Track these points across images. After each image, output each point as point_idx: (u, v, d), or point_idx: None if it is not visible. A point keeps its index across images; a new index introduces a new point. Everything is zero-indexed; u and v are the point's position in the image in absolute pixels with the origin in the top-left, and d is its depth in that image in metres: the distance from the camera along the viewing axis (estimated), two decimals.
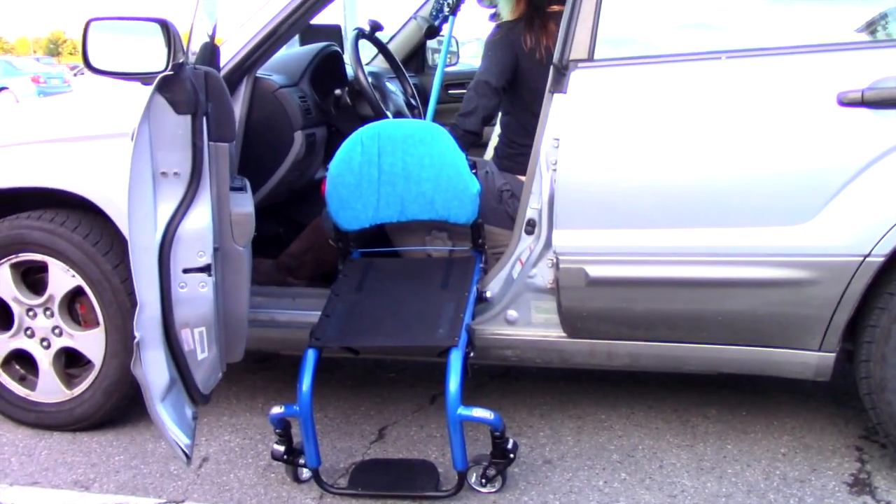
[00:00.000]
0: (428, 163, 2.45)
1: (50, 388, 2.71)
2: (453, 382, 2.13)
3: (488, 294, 2.46)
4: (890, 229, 2.10)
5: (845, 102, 2.11)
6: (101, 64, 2.21)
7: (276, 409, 2.25)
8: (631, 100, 2.30)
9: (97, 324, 2.62)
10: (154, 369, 2.04)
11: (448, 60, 4.16)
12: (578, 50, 2.32)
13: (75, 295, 2.65)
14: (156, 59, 2.08)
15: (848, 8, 2.39)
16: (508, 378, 3.08)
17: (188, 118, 2.04)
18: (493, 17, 3.38)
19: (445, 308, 2.33)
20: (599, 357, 2.47)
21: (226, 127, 2.14)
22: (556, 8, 2.83)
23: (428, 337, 2.27)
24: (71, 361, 2.75)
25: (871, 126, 2.11)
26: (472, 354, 2.27)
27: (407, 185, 2.49)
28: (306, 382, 2.21)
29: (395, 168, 2.48)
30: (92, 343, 2.64)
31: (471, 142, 2.76)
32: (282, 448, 2.29)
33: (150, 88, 2.01)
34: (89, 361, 2.68)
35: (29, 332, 2.69)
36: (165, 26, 2.10)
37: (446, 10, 3.92)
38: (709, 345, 2.37)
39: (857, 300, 2.18)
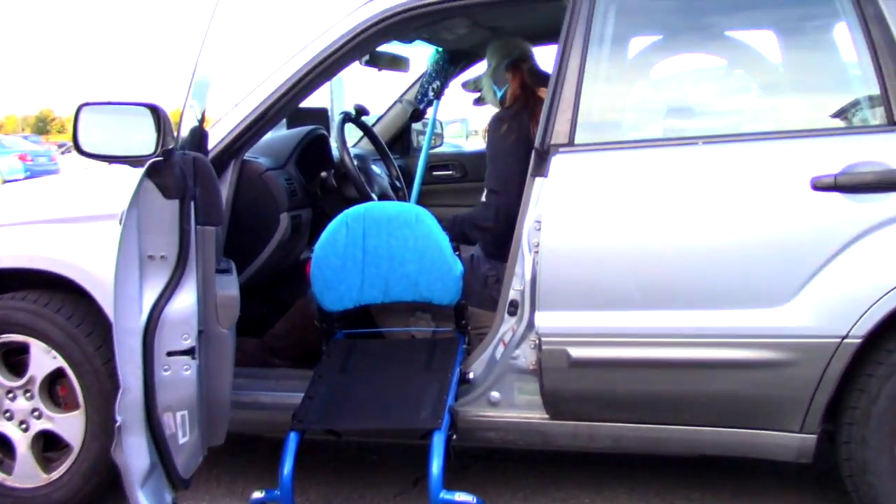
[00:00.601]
0: (412, 245, 2.49)
1: (27, 473, 2.66)
2: (436, 465, 2.12)
3: (471, 375, 2.47)
4: (866, 311, 2.14)
5: (819, 187, 2.17)
6: (92, 147, 2.23)
7: (257, 494, 2.22)
8: (611, 184, 2.35)
9: (77, 406, 2.59)
10: (135, 454, 2.02)
11: (432, 142, 4.24)
12: (559, 135, 2.38)
13: (56, 377, 2.63)
14: (145, 143, 2.11)
15: (821, 95, 2.47)
16: (492, 460, 3.06)
17: (176, 203, 2.07)
18: (479, 101, 3.46)
19: (428, 390, 2.33)
20: (582, 439, 2.47)
21: (213, 211, 2.17)
22: (543, 91, 2.91)
23: (411, 419, 2.26)
24: (49, 445, 2.71)
25: (845, 210, 2.16)
26: (454, 437, 2.26)
27: (391, 267, 2.51)
28: (288, 466, 2.19)
29: (380, 250, 2.51)
30: (71, 426, 2.61)
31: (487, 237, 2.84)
32: None
33: (140, 172, 2.04)
34: (68, 445, 2.64)
35: (8, 415, 2.66)
36: (155, 111, 2.14)
37: (431, 93, 4.01)
38: (691, 426, 2.37)
39: (837, 381, 2.20)
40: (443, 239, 2.48)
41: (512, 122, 2.87)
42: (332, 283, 2.53)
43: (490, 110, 3.34)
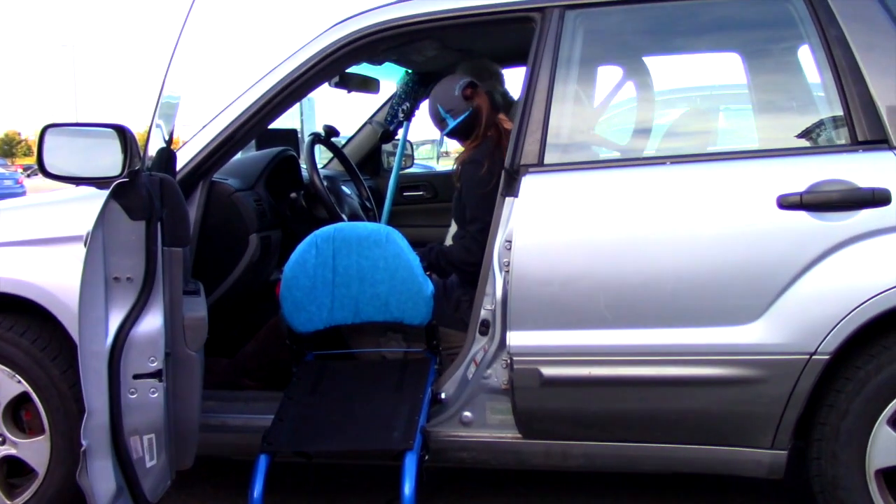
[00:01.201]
0: (382, 265, 2.48)
1: None
2: (408, 487, 2.10)
3: (443, 395, 2.46)
4: (834, 327, 2.16)
5: (785, 205, 2.20)
6: (57, 169, 2.20)
7: None
8: (580, 203, 2.37)
9: (42, 431, 2.54)
10: (101, 478, 1.99)
11: (403, 163, 4.25)
12: (529, 155, 2.39)
13: (20, 401, 2.58)
14: (111, 164, 2.09)
15: (787, 116, 2.50)
16: (464, 480, 3.04)
17: (142, 224, 2.05)
18: (450, 134, 3.33)
19: (400, 411, 2.32)
20: (555, 458, 2.46)
21: (180, 232, 2.15)
22: (505, 120, 2.91)
23: (383, 441, 2.25)
24: (13, 471, 2.66)
25: (811, 228, 2.19)
26: (427, 458, 2.25)
27: (361, 288, 2.50)
28: (257, 489, 2.16)
29: (350, 270, 2.50)
30: (36, 451, 2.56)
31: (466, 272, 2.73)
32: None
33: (105, 193, 2.02)
34: (33, 470, 2.59)
35: None
36: (122, 132, 2.12)
37: (401, 115, 4.02)
38: (664, 444, 2.37)
39: (806, 398, 2.21)
40: (413, 259, 2.48)
41: (491, 163, 2.74)
42: (302, 303, 2.52)
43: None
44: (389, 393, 2.42)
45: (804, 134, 2.42)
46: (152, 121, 2.14)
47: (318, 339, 2.70)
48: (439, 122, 2.98)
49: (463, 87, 2.90)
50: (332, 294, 2.51)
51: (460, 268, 2.73)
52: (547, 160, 2.39)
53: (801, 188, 2.20)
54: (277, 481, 2.88)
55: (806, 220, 2.19)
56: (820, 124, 2.39)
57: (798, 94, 2.51)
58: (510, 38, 3.23)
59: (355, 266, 2.49)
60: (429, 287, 2.48)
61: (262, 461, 2.20)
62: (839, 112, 2.28)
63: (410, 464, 2.14)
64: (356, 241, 2.50)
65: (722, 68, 2.83)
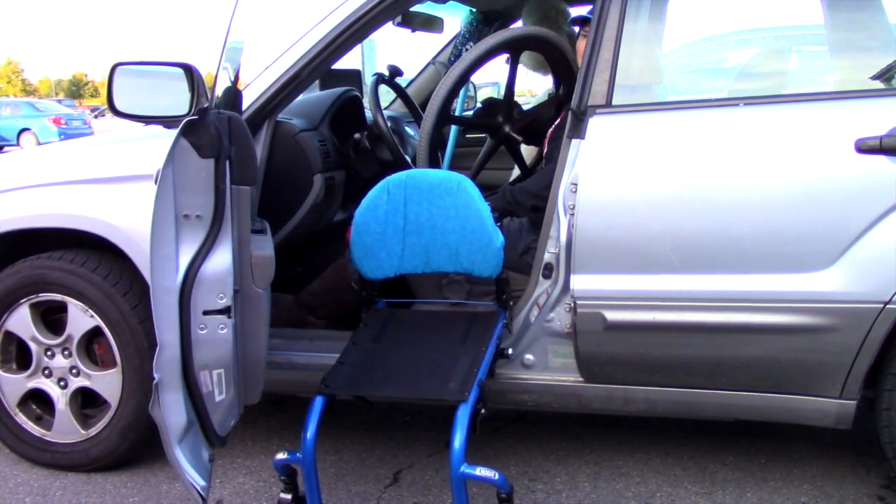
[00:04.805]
0: (453, 214, 2.43)
1: (66, 428, 2.71)
2: (458, 440, 2.06)
3: (510, 351, 2.45)
4: None
5: (863, 149, 2.12)
6: (126, 108, 2.23)
7: (281, 455, 2.18)
8: (649, 146, 2.31)
9: (114, 364, 2.62)
10: (172, 411, 2.04)
11: (465, 105, 4.20)
12: (597, 96, 2.34)
13: (93, 335, 2.67)
14: (180, 103, 2.11)
15: (866, 57, 2.40)
16: (524, 423, 3.07)
17: (211, 162, 2.06)
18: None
19: (460, 362, 2.29)
20: (616, 402, 2.46)
21: (248, 171, 2.16)
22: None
23: (438, 390, 2.22)
24: (87, 402, 2.76)
25: (890, 173, 2.11)
26: (483, 411, 2.22)
27: (433, 236, 2.47)
28: (311, 429, 2.16)
29: (421, 218, 2.46)
30: (109, 383, 2.65)
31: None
32: (288, 496, 2.23)
33: (174, 132, 2.04)
34: (105, 402, 2.68)
35: (47, 372, 2.70)
36: (190, 71, 2.13)
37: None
38: (727, 391, 2.35)
39: (878, 347, 2.16)
40: (484, 209, 2.43)
41: None
42: (373, 250, 2.50)
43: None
44: (453, 344, 2.40)
45: (884, 75, 2.32)
46: (219, 64, 2.14)
47: (386, 286, 2.70)
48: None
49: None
50: (402, 241, 2.48)
51: (543, 195, 2.61)
52: (615, 101, 2.34)
53: (881, 132, 2.11)
54: (338, 416, 2.94)
55: (885, 164, 2.11)
56: None
57: (878, 34, 2.40)
58: None
59: (426, 214, 2.46)
60: (499, 238, 2.43)
61: (318, 402, 2.21)
62: None
63: (463, 416, 2.10)
64: (427, 189, 2.46)
65: (798, 6, 2.72)
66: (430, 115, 2.87)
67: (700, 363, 2.34)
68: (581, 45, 2.85)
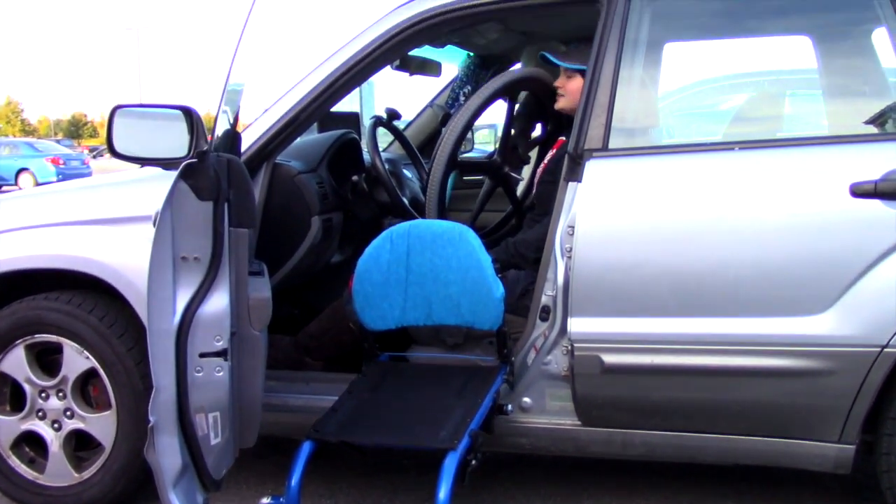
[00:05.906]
0: (455, 264, 2.42)
1: (59, 472, 2.68)
2: (443, 490, 2.02)
3: (509, 407, 2.43)
4: None
5: (858, 193, 2.14)
6: (126, 150, 2.24)
7: (265, 500, 2.15)
8: (645, 189, 2.33)
9: (109, 406, 2.61)
10: (167, 454, 2.03)
11: (463, 147, 4.22)
12: (593, 140, 2.36)
13: (88, 377, 2.65)
14: (179, 145, 2.12)
15: (860, 101, 2.43)
16: (521, 466, 3.04)
17: (210, 205, 2.07)
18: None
19: (454, 413, 2.27)
20: (615, 446, 2.44)
21: (246, 213, 2.17)
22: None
23: (428, 439, 2.19)
24: (81, 444, 2.73)
25: (885, 217, 2.12)
26: (473, 462, 2.18)
27: (435, 287, 2.45)
28: (296, 475, 2.13)
29: (424, 268, 2.45)
30: (103, 426, 2.63)
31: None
32: None
33: (172, 174, 2.05)
34: (100, 444, 2.66)
35: (41, 414, 2.68)
36: (189, 114, 2.15)
37: (462, 98, 4.00)
38: (726, 435, 2.34)
39: (877, 391, 2.16)
40: (485, 259, 2.42)
41: None
42: (375, 300, 2.48)
43: None
44: (449, 395, 2.38)
45: (878, 120, 2.34)
46: (219, 107, 2.16)
47: (387, 337, 2.67)
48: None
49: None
50: (405, 293, 2.46)
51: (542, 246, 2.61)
52: (612, 145, 2.36)
53: (876, 176, 2.13)
54: (336, 459, 2.91)
55: (880, 208, 2.12)
56: (894, 108, 2.32)
57: (871, 79, 2.43)
58: (574, 21, 3.19)
59: (429, 264, 2.44)
60: (499, 289, 2.41)
61: (306, 448, 2.18)
62: None
63: (450, 465, 2.06)
64: (431, 240, 2.45)
65: (792, 52, 2.76)
66: (439, 165, 2.87)
67: (698, 407, 2.33)
68: (573, 86, 2.87)
